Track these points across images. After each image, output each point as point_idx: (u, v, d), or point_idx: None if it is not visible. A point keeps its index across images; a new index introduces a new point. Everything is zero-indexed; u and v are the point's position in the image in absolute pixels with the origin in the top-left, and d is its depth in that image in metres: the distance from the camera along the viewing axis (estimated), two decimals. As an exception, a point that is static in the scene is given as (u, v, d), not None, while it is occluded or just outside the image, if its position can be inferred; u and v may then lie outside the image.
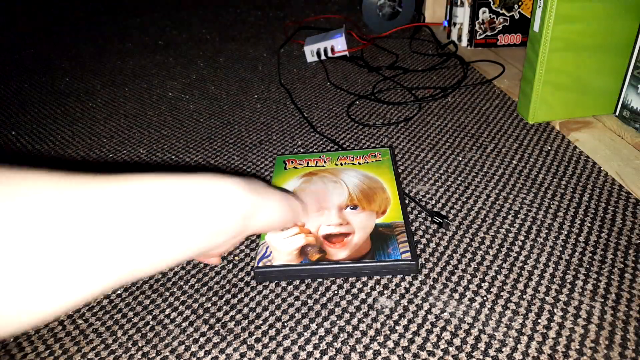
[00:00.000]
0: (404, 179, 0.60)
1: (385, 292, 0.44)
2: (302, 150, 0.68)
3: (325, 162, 0.59)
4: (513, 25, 0.98)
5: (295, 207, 0.39)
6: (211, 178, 0.30)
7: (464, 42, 1.02)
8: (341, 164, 0.58)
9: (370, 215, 0.49)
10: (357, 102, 0.82)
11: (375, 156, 0.60)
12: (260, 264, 0.46)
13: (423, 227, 0.52)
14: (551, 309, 0.41)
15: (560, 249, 0.48)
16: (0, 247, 0.19)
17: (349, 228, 0.48)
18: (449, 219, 0.53)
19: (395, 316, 0.42)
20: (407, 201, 0.56)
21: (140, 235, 0.24)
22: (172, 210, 0.26)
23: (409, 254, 0.45)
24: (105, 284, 0.23)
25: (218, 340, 0.41)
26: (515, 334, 0.39)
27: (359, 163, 0.58)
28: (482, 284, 0.44)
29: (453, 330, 0.40)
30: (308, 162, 0.60)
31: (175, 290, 0.47)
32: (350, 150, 0.63)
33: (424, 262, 0.47)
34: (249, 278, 0.47)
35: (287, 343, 0.40)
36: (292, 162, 0.60)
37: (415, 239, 0.50)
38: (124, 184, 0.25)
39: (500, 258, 0.47)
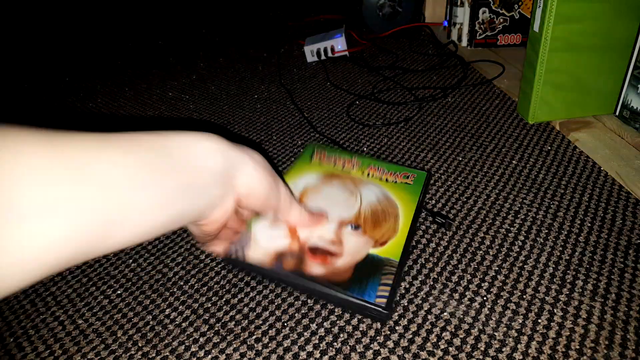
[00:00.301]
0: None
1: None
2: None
3: (353, 167, 0.54)
4: (513, 25, 0.98)
5: (279, 186, 0.37)
6: (185, 134, 0.29)
7: (464, 42, 1.02)
8: (368, 175, 0.52)
9: (367, 243, 0.44)
10: (357, 102, 0.82)
11: (407, 177, 0.53)
12: (233, 256, 0.42)
13: (423, 227, 0.52)
14: (551, 309, 0.41)
15: (560, 249, 0.48)
16: None
17: (338, 248, 0.43)
18: (450, 218, 0.53)
19: (395, 316, 0.42)
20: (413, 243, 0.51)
21: (112, 196, 0.23)
22: (144, 169, 0.25)
23: (384, 300, 0.39)
24: (75, 248, 0.22)
25: (218, 340, 0.41)
26: (515, 334, 0.39)
27: (387, 180, 0.52)
28: (482, 284, 0.44)
29: (453, 330, 0.40)
30: (335, 162, 0.54)
31: (175, 290, 0.47)
32: (385, 161, 0.56)
33: (424, 262, 0.47)
34: (249, 278, 0.47)
35: (287, 343, 0.40)
36: (319, 155, 0.55)
37: (400, 281, 0.46)
38: (97, 142, 0.24)
39: (500, 258, 0.47)
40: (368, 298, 0.39)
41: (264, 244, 0.43)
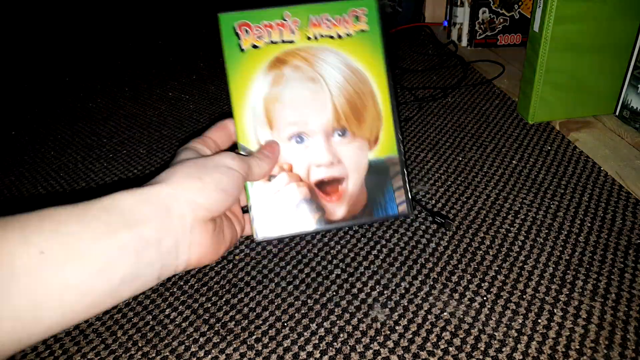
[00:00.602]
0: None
1: (381, 298, 0.44)
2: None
3: (293, 30, 0.42)
4: (513, 25, 0.98)
5: (224, 163, 0.35)
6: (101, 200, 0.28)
7: (464, 42, 1.02)
8: (315, 37, 0.42)
9: (362, 147, 0.41)
10: (357, 102, 0.82)
11: (358, 19, 0.43)
12: (260, 235, 0.41)
13: (423, 227, 0.52)
14: (551, 309, 0.41)
15: (560, 249, 0.48)
16: None
17: (341, 169, 0.41)
18: (450, 218, 0.53)
19: (395, 316, 0.42)
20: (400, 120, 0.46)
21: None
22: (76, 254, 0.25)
23: (404, 205, 0.40)
24: None
25: (218, 340, 0.41)
26: (515, 334, 0.39)
27: (339, 36, 0.42)
28: (482, 284, 0.44)
29: (453, 330, 0.40)
30: (270, 33, 0.42)
31: (175, 290, 0.47)
32: (320, 4, 0.43)
33: (423, 262, 0.47)
34: (249, 278, 0.47)
35: (287, 343, 0.40)
36: (247, 33, 0.42)
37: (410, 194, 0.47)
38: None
39: (500, 258, 0.47)
40: (392, 212, 0.40)
41: (280, 210, 0.41)
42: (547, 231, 0.50)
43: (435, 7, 1.16)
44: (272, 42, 0.42)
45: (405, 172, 0.42)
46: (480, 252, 0.48)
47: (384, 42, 0.42)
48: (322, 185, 0.41)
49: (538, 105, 0.68)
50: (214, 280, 0.48)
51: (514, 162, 0.62)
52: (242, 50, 0.42)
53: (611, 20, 0.62)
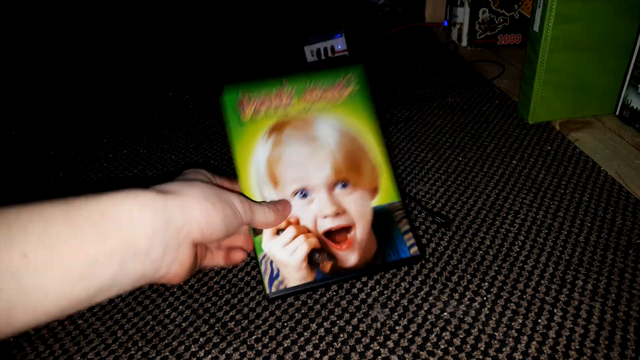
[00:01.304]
0: (403, 178, 0.60)
1: (381, 298, 0.44)
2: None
3: (290, 98, 0.45)
4: (513, 25, 0.98)
5: (232, 202, 0.35)
6: (103, 197, 0.28)
7: (464, 42, 1.02)
8: (310, 104, 0.46)
9: (364, 197, 0.42)
10: (357, 102, 0.82)
11: (348, 84, 0.46)
12: (273, 289, 0.40)
13: (423, 227, 0.52)
14: (551, 309, 0.41)
15: (560, 249, 0.48)
16: None
17: (347, 219, 0.42)
18: (450, 218, 0.53)
19: (395, 316, 0.42)
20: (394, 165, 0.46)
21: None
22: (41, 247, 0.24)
23: (416, 247, 0.40)
24: None
25: (218, 340, 0.41)
26: (515, 334, 0.39)
27: (332, 101, 0.46)
28: (482, 284, 0.44)
29: (453, 330, 0.40)
30: (271, 103, 0.45)
31: (175, 290, 0.47)
32: (316, 73, 0.47)
33: (423, 262, 0.47)
34: (249, 277, 0.47)
35: (287, 343, 0.40)
36: (247, 104, 0.45)
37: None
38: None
39: (500, 258, 0.47)
40: (404, 255, 0.40)
41: (289, 260, 0.41)
42: (547, 231, 0.50)
43: (435, 7, 1.16)
44: (270, 111, 0.45)
45: (410, 216, 0.42)
46: (480, 252, 0.48)
47: (371, 100, 0.46)
48: (330, 234, 0.42)
49: (538, 105, 0.68)
50: (214, 280, 0.48)
51: (514, 162, 0.62)
52: (241, 122, 0.45)
53: (611, 20, 0.62)
